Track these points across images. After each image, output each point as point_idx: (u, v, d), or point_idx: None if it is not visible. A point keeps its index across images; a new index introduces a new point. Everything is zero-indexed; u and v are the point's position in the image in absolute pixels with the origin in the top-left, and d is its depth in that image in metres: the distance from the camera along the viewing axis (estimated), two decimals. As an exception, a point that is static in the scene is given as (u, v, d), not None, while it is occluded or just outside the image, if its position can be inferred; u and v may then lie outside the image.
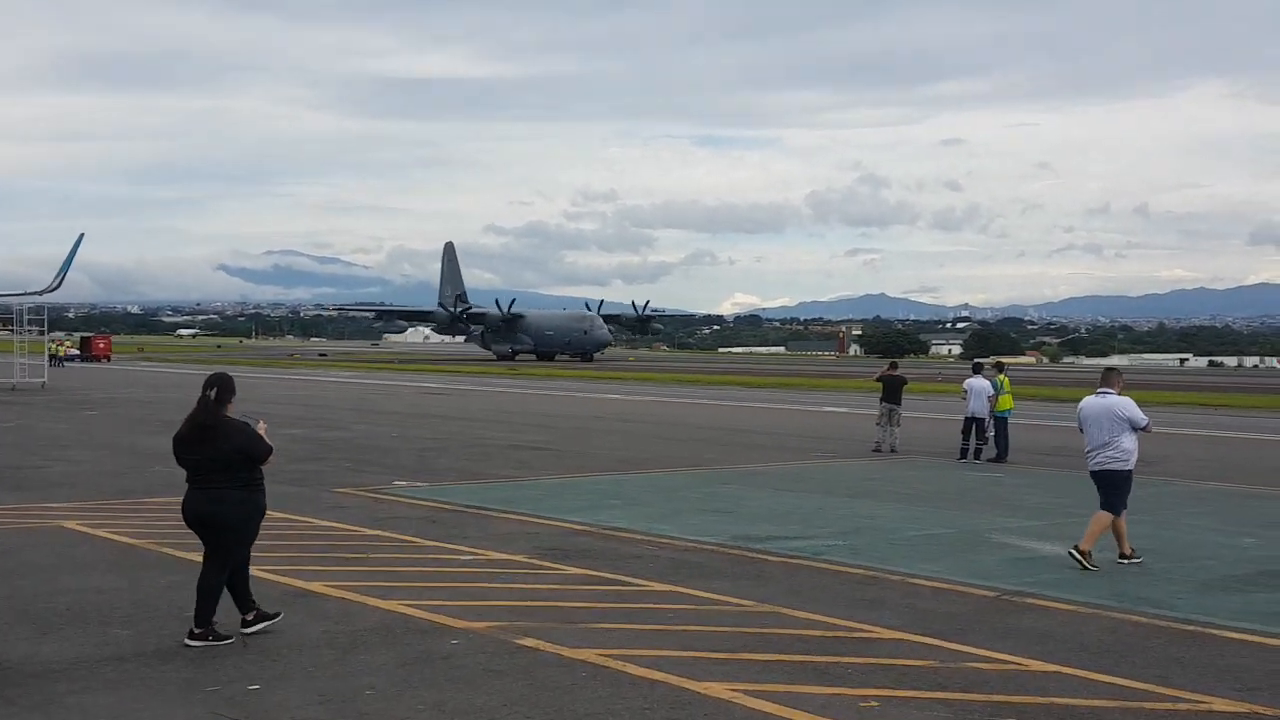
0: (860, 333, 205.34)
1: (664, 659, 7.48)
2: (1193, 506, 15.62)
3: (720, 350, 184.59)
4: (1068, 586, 10.08)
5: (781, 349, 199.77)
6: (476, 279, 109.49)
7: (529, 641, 7.89)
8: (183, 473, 8.17)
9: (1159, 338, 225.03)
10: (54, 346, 76.93)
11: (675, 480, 17.80)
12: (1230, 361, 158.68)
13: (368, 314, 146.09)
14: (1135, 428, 11.30)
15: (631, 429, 27.87)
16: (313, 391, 43.91)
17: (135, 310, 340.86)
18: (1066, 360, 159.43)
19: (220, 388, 8.08)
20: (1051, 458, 22.26)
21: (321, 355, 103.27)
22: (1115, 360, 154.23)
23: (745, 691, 6.86)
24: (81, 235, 46.98)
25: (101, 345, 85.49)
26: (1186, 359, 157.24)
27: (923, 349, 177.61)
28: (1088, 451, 11.51)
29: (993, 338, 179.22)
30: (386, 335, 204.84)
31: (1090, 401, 11.59)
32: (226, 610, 8.05)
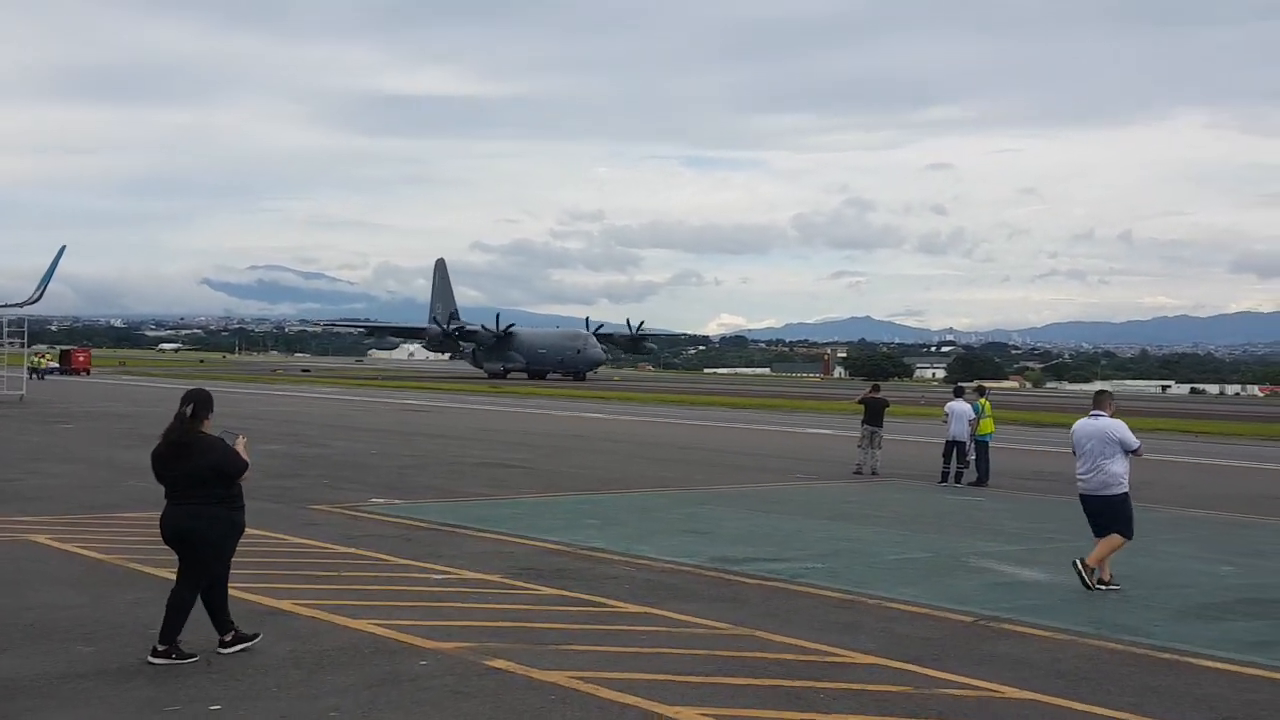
0: (845, 355, 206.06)
1: (635, 682, 7.38)
2: (1172, 533, 15.59)
3: (705, 371, 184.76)
4: (1045, 612, 10.01)
5: (766, 370, 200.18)
6: (462, 296, 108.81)
7: (499, 663, 7.77)
8: (159, 488, 8.06)
9: (1141, 364, 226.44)
10: (35, 359, 76.43)
11: (654, 500, 17.70)
12: (1212, 389, 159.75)
13: (358, 330, 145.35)
14: (1126, 450, 11.29)
15: (613, 448, 27.76)
16: (294, 407, 43.66)
17: (118, 324, 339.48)
18: (1049, 385, 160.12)
19: (197, 404, 7.98)
20: (1032, 482, 22.25)
21: (305, 371, 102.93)
22: (1099, 386, 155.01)
23: (716, 716, 6.76)
24: (63, 247, 46.75)
25: (81, 358, 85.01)
26: (1169, 386, 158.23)
27: (907, 372, 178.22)
28: (1079, 474, 11.49)
29: (977, 362, 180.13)
30: (371, 352, 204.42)
31: (1083, 424, 11.58)
32: (192, 629, 7.91)
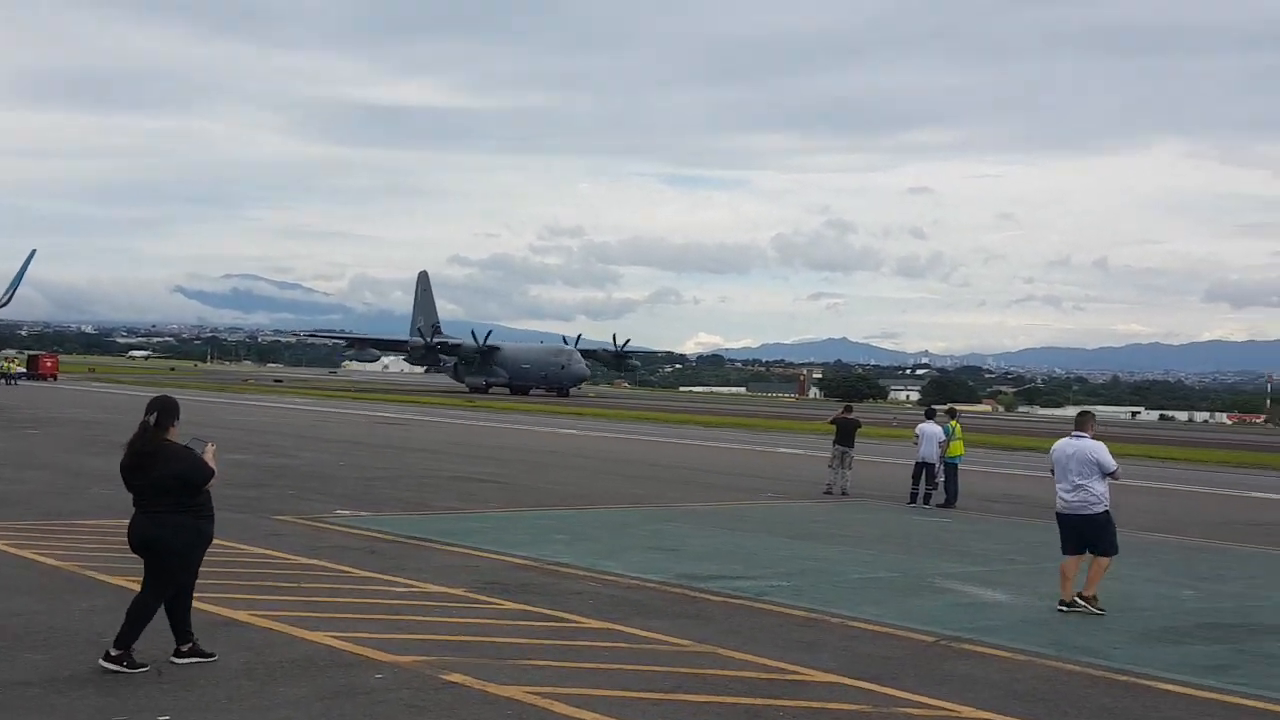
0: (821, 376, 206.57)
1: (594, 698, 7.33)
2: (1135, 557, 15.64)
3: (682, 389, 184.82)
4: (1006, 633, 10.03)
5: (743, 389, 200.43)
6: (439, 309, 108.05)
7: (455, 677, 7.70)
8: (123, 495, 7.99)
9: (1113, 390, 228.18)
10: (4, 364, 75.59)
11: (624, 517, 17.65)
12: (1181, 416, 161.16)
13: (340, 341, 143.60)
14: (1104, 473, 11.36)
15: (584, 464, 27.69)
16: (264, 418, 43.36)
17: (89, 330, 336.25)
18: (1022, 409, 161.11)
19: (161, 412, 7.89)
20: (1000, 504, 22.35)
21: (277, 381, 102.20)
22: (1071, 411, 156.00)
23: (672, 733, 6.72)
24: (33, 252, 46.64)
25: (48, 364, 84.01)
26: (1139, 412, 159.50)
27: (882, 394, 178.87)
28: (1060, 493, 11.53)
29: (951, 385, 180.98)
30: (345, 363, 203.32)
31: (1063, 444, 11.65)
32: (145, 637, 7.79)
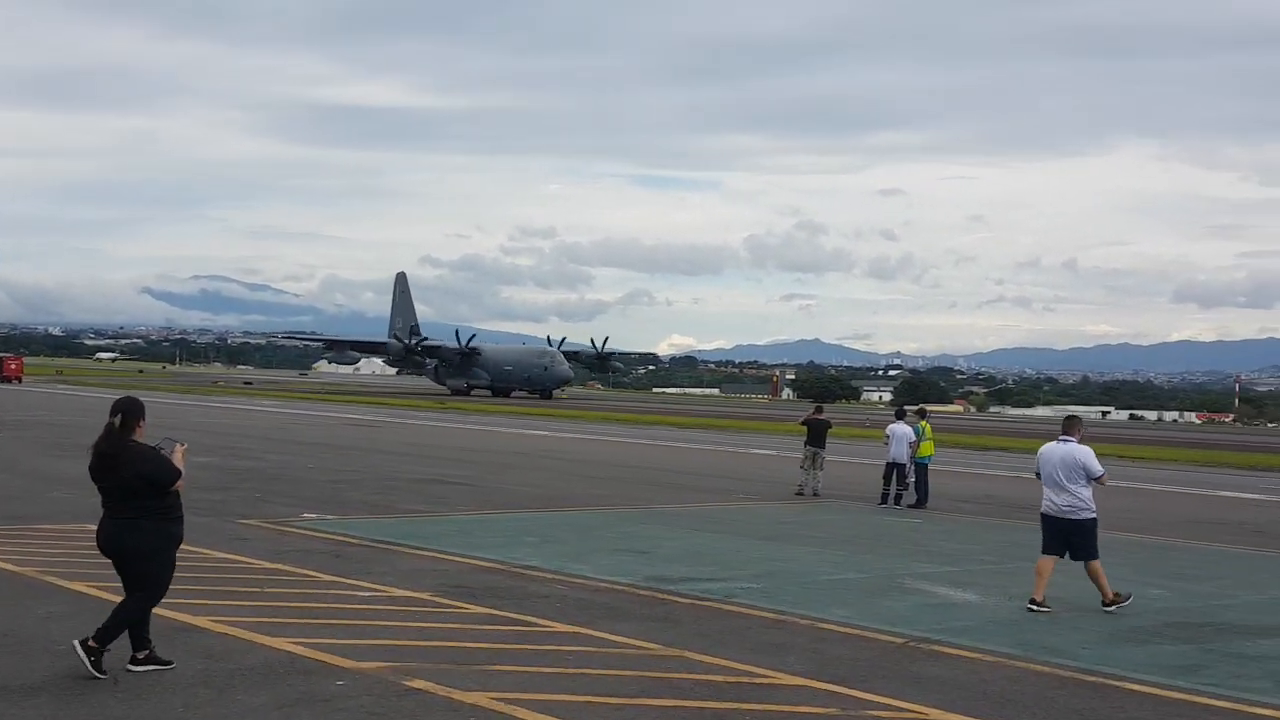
0: (794, 377, 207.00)
1: (558, 703, 7.22)
2: (1104, 556, 15.64)
3: (655, 390, 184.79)
4: (976, 634, 10.00)
5: (716, 391, 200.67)
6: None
7: (418, 683, 7.57)
8: (85, 500, 7.92)
9: (1083, 390, 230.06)
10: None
11: (594, 519, 17.54)
12: (1150, 416, 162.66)
13: (318, 343, 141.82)
14: (1090, 477, 11.37)
15: (555, 466, 27.56)
16: (233, 420, 42.95)
17: (56, 332, 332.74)
18: (993, 410, 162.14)
19: (126, 413, 7.75)
20: (971, 505, 22.39)
21: (247, 384, 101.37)
22: (1041, 411, 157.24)
23: (638, 739, 6.62)
24: None
25: (13, 366, 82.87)
26: (1109, 412, 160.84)
27: (855, 395, 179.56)
28: (1046, 497, 11.54)
29: (923, 385, 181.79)
30: (316, 365, 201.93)
31: (1050, 448, 11.65)
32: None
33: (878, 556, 14.73)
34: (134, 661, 7.68)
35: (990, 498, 24.03)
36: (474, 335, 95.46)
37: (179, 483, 7.78)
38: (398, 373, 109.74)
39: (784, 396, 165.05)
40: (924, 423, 22.22)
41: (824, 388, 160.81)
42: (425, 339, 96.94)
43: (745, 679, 8.11)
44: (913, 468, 21.58)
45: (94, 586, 10.09)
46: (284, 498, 18.32)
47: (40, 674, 7.51)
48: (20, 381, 78.21)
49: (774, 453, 35.60)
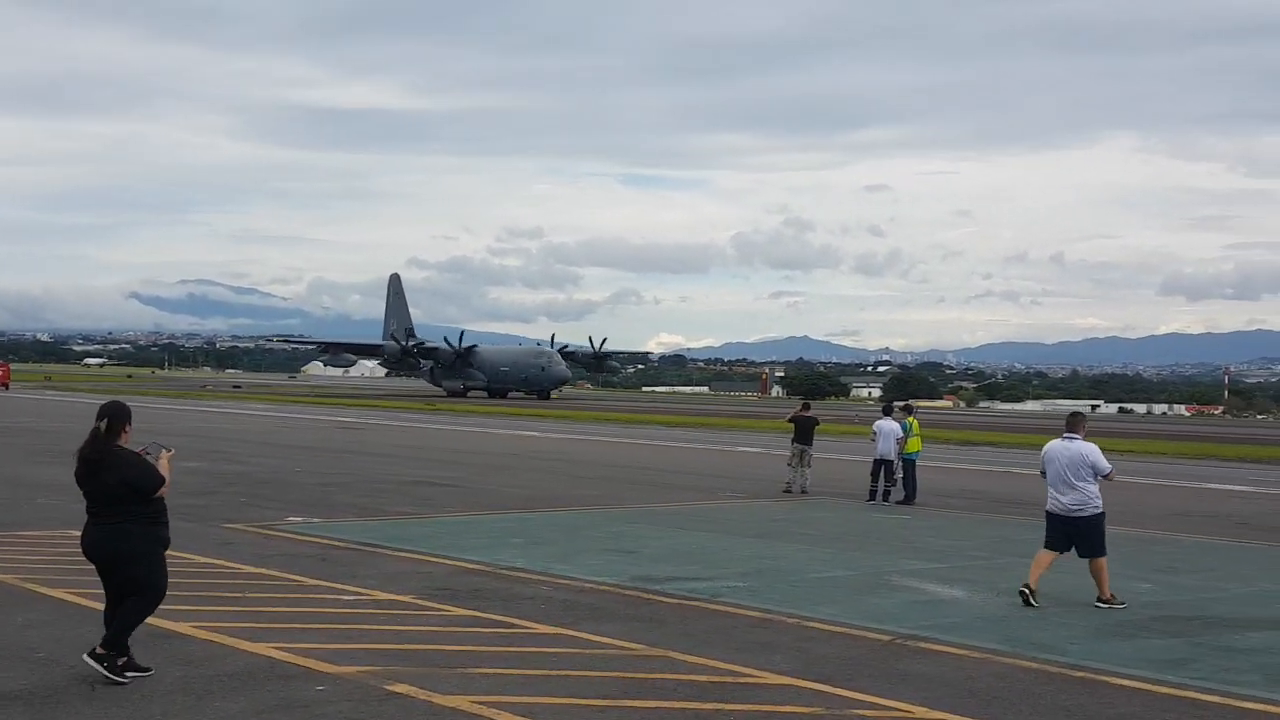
0: (783, 374, 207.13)
1: (539, 706, 7.16)
2: (1093, 550, 15.68)
3: (644, 389, 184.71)
4: (963, 631, 9.96)
5: (705, 389, 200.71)
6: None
7: (400, 687, 7.50)
8: (69, 507, 7.88)
9: (1072, 384, 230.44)
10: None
11: (581, 519, 17.48)
12: (1139, 408, 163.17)
13: (309, 346, 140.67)
14: (1098, 474, 11.37)
15: (544, 466, 27.48)
16: (221, 424, 42.78)
17: (45, 338, 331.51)
18: (982, 405, 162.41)
19: (111, 417, 7.69)
20: (959, 500, 22.37)
21: (236, 387, 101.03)
22: (1031, 405, 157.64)
23: (621, 741, 6.57)
24: None
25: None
26: (1098, 405, 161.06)
27: (844, 391, 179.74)
28: (1051, 494, 11.53)
29: (912, 381, 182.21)
30: (305, 368, 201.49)
31: (1055, 445, 11.64)
32: (79, 653, 7.54)
33: (865, 553, 14.69)
34: (93, 656, 7.51)
35: (981, 493, 24.02)
36: (463, 335, 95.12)
37: (163, 489, 7.69)
38: (388, 374, 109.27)
39: (773, 394, 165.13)
40: (911, 419, 22.20)
41: (813, 385, 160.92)
42: (422, 341, 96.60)
43: (729, 679, 8.06)
44: (900, 464, 21.55)
45: (75, 594, 10.00)
46: (271, 501, 18.22)
47: (17, 682, 7.42)
48: (7, 388, 77.81)
49: (762, 450, 35.57)
